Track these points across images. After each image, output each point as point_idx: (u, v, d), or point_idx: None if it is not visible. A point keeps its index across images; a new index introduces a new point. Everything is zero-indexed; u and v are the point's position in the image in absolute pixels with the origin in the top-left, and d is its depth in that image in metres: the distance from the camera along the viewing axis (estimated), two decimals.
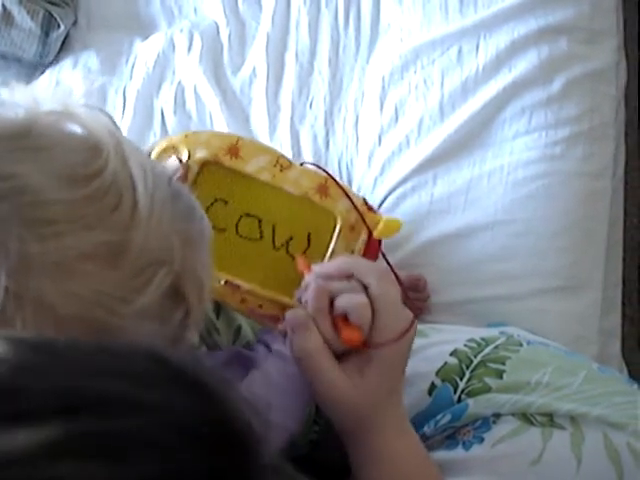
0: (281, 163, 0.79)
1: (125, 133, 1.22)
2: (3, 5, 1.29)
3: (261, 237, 0.79)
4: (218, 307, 0.97)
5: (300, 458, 0.68)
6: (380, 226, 0.79)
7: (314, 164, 0.83)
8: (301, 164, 0.81)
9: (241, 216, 0.79)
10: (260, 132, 1.22)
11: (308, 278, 0.66)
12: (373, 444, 0.63)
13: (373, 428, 0.63)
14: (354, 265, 0.65)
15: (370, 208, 0.82)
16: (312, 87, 1.26)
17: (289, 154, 1.17)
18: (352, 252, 0.79)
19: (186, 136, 0.79)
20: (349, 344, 0.62)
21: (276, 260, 0.79)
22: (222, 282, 0.77)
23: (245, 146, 0.79)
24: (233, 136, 0.81)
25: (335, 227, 0.79)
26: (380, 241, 0.81)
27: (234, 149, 0.79)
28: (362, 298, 0.62)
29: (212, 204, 0.78)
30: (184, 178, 0.76)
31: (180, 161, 0.77)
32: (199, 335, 0.96)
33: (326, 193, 0.79)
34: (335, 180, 0.80)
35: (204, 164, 0.77)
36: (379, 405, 0.63)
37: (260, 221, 0.79)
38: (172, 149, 0.79)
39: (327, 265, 0.67)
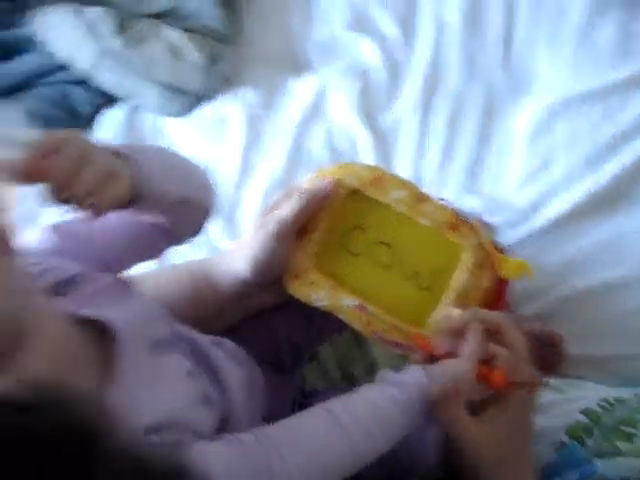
0: (418, 197, 0.83)
1: (275, 169, 1.28)
2: (171, 39, 1.39)
3: (392, 266, 0.83)
4: (357, 339, 0.99)
5: None
6: (508, 266, 0.80)
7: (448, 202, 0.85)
8: (440, 199, 0.84)
9: (376, 244, 0.84)
10: (405, 172, 1.24)
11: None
12: None
13: (499, 475, 0.66)
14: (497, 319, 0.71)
15: (499, 249, 0.83)
16: (460, 132, 1.27)
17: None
18: (479, 290, 0.80)
19: (340, 167, 0.86)
20: (495, 386, 0.67)
21: (404, 289, 0.83)
22: (351, 303, 0.82)
23: (388, 179, 0.84)
24: (380, 169, 0.86)
25: (464, 263, 0.81)
26: (507, 283, 0.82)
27: (378, 180, 0.83)
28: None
29: (352, 230, 0.84)
30: (331, 194, 0.83)
31: (330, 181, 0.83)
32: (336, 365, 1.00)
33: (458, 229, 0.81)
34: (466, 218, 0.82)
35: (350, 192, 0.83)
36: (508, 453, 0.66)
37: (393, 250, 0.84)
38: (323, 176, 0.85)
39: (483, 313, 0.72)
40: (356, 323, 0.83)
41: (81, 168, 0.65)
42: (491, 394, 0.69)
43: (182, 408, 0.72)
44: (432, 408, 0.69)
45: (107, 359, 0.68)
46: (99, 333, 0.69)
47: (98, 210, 0.67)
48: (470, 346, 0.70)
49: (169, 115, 1.42)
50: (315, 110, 1.36)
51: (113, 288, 0.75)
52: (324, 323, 0.92)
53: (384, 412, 0.72)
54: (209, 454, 0.67)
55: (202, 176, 0.84)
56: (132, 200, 0.72)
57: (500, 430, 0.66)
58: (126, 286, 0.77)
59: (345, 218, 0.84)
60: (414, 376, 0.73)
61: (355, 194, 0.83)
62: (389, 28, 1.42)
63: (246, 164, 1.34)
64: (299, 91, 1.38)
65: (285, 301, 0.89)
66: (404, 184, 0.84)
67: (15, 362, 0.57)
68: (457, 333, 0.72)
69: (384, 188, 0.83)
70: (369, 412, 0.73)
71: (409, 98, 1.32)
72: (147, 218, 0.78)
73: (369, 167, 0.86)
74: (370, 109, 1.33)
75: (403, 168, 1.25)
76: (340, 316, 0.83)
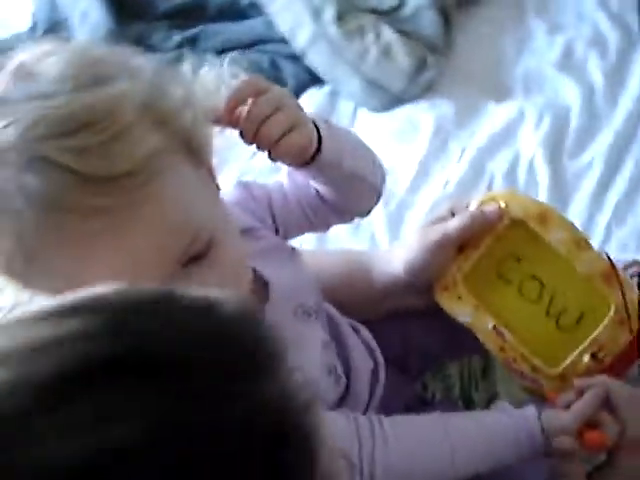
0: (580, 243, 0.85)
1: (449, 182, 1.32)
2: (386, 38, 1.45)
3: (539, 301, 0.86)
4: (485, 370, 1.02)
5: None
6: None
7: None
8: (607, 257, 0.85)
9: (528, 276, 0.86)
10: (578, 221, 1.25)
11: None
12: None
13: None
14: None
15: None
16: None
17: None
18: (615, 345, 0.81)
19: (510, 194, 0.89)
20: (588, 445, 0.70)
21: (544, 326, 0.85)
22: (491, 326, 0.85)
23: (554, 217, 0.85)
24: (548, 206, 0.88)
25: (607, 315, 0.82)
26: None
27: (544, 216, 0.85)
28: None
29: (507, 258, 0.87)
30: (498, 219, 0.86)
31: (499, 207, 0.86)
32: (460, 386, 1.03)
33: (609, 282, 0.82)
34: (618, 273, 0.83)
35: (515, 222, 0.85)
36: None
37: (542, 286, 0.86)
38: (492, 200, 0.87)
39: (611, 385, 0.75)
40: (491, 344, 0.86)
41: (271, 115, 0.71)
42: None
43: (313, 374, 0.78)
44: (551, 453, 0.72)
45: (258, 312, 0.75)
46: (257, 285, 0.76)
47: (278, 153, 0.73)
48: (583, 404, 0.73)
49: (366, 108, 1.49)
50: (504, 137, 1.38)
51: (279, 250, 0.82)
52: (460, 340, 0.95)
53: (494, 439, 0.76)
54: (326, 418, 0.73)
55: (379, 162, 0.88)
56: (312, 159, 0.76)
57: None
58: (290, 251, 0.84)
59: (504, 245, 0.87)
60: (528, 414, 0.76)
61: (519, 224, 0.85)
62: (596, 74, 1.41)
63: (423, 171, 1.39)
64: (494, 115, 1.41)
65: (429, 310, 0.93)
66: (568, 226, 0.86)
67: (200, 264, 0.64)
68: (579, 391, 0.75)
69: (548, 225, 0.85)
70: (480, 435, 0.76)
71: (600, 148, 1.32)
72: (321, 189, 0.85)
73: (538, 202, 0.88)
74: (559, 149, 1.34)
75: (577, 216, 1.26)
76: (478, 334, 0.86)
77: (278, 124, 0.72)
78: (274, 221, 0.86)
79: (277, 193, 0.85)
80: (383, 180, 0.89)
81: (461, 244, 0.88)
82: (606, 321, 0.82)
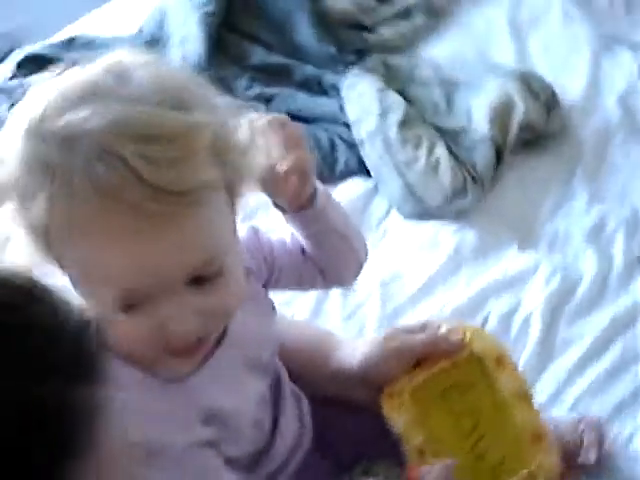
0: (524, 397, 0.90)
1: (450, 308, 1.36)
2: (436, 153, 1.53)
3: (468, 436, 0.91)
4: None
5: None
6: None
7: None
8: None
9: (467, 410, 0.91)
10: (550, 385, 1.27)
11: None
12: None
13: None
14: None
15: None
16: None
17: None
18: None
19: (476, 331, 0.96)
20: None
21: (465, 459, 0.89)
22: (418, 442, 0.89)
23: (510, 365, 0.91)
24: (507, 352, 0.94)
25: (520, 472, 0.86)
26: None
27: (501, 361, 0.92)
28: None
29: (456, 385, 0.92)
30: (459, 349, 0.92)
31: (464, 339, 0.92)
32: None
33: (536, 442, 0.87)
34: (547, 437, 0.88)
35: (473, 356, 0.91)
36: None
37: (477, 424, 0.91)
38: (461, 330, 0.94)
39: None
40: (413, 459, 0.89)
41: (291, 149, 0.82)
42: None
43: (242, 423, 0.82)
44: None
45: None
46: None
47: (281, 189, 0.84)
48: None
49: (398, 211, 1.55)
50: (513, 281, 1.40)
51: (258, 302, 0.88)
52: (395, 444, 0.98)
53: None
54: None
55: (363, 237, 0.99)
56: (306, 207, 0.86)
57: None
58: (268, 307, 0.90)
59: (457, 373, 0.92)
60: None
61: (476, 360, 0.91)
62: (618, 254, 1.43)
63: (429, 287, 1.42)
64: (511, 258, 1.43)
65: (372, 407, 0.97)
66: (519, 378, 0.91)
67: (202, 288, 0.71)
68: None
69: (502, 370, 0.90)
70: None
71: (594, 326, 1.34)
72: (306, 244, 0.91)
73: (501, 346, 0.94)
74: (559, 311, 1.35)
75: (552, 380, 1.27)
76: (405, 446, 0.90)
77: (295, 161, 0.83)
78: (270, 270, 0.92)
79: (280, 245, 0.92)
80: (365, 254, 0.98)
81: (419, 360, 0.93)
82: (517, 477, 0.86)
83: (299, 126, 0.88)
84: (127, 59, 0.72)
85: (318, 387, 1.00)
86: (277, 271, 0.92)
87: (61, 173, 0.65)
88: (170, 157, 0.66)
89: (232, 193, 0.75)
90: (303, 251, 0.92)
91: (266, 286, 0.92)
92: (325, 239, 0.90)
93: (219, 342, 0.81)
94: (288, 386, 0.93)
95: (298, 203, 0.86)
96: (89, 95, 0.67)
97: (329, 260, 0.93)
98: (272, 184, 0.83)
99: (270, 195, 0.86)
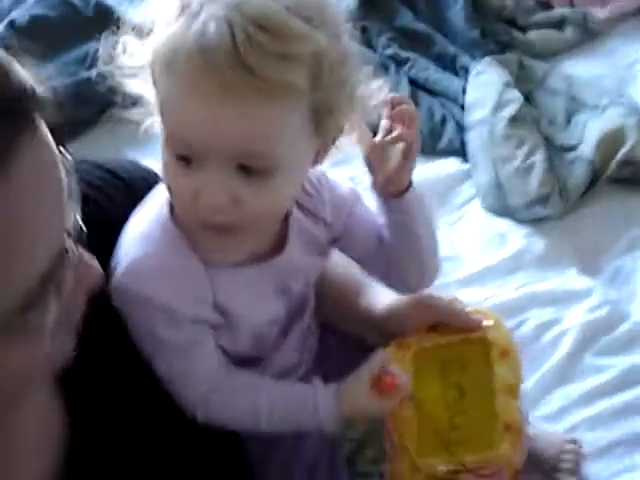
0: (513, 389, 0.92)
1: (492, 303, 1.40)
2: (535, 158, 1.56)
3: (451, 406, 0.94)
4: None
5: None
6: None
7: None
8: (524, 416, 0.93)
9: (458, 384, 0.95)
10: None
11: None
12: None
13: None
14: None
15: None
16: None
17: None
18: None
19: (497, 320, 0.97)
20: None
21: (441, 424, 0.93)
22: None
23: (513, 359, 0.94)
24: (516, 348, 0.95)
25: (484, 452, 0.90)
26: None
27: (506, 352, 0.95)
28: None
29: (458, 359, 0.96)
30: (475, 328, 0.95)
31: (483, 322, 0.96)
32: None
33: (507, 432, 0.90)
34: (520, 433, 0.91)
35: (484, 339, 0.95)
36: None
37: (462, 398, 0.94)
38: (482, 314, 0.97)
39: None
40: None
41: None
42: None
43: (243, 322, 0.89)
44: None
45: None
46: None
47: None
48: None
49: (480, 202, 1.60)
50: (561, 304, 1.45)
51: (317, 243, 0.94)
52: None
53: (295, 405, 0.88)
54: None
55: (437, 254, 1.00)
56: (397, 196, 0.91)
57: None
58: (324, 254, 0.96)
59: (463, 348, 0.96)
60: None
61: (485, 343, 0.95)
62: None
63: (476, 277, 1.48)
64: (568, 277, 1.48)
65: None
66: (516, 373, 0.93)
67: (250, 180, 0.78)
68: None
69: (504, 360, 0.93)
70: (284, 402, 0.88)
71: None
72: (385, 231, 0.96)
73: (512, 340, 0.96)
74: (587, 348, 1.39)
75: None
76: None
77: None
78: (341, 233, 0.96)
79: (367, 221, 0.96)
80: (435, 269, 1.01)
81: (435, 324, 0.99)
82: (479, 457, 0.89)
83: (415, 110, 0.90)
84: None
85: (339, 320, 1.07)
86: (346, 239, 0.96)
87: (187, 16, 0.74)
88: (271, 49, 0.72)
89: (318, 121, 0.79)
90: (381, 240, 0.96)
91: (333, 243, 0.97)
92: (402, 234, 0.94)
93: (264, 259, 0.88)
94: (306, 321, 0.99)
95: (393, 187, 0.90)
96: None
97: (398, 256, 0.96)
98: (375, 156, 0.88)
99: (370, 169, 0.90)
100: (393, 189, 0.90)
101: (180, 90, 0.75)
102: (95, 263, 0.62)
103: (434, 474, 0.91)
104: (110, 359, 0.80)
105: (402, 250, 0.96)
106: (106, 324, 0.78)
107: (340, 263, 1.08)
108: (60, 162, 0.55)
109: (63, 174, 0.55)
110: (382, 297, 1.04)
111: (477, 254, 1.53)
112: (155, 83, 0.78)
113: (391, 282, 1.01)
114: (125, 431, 0.78)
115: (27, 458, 0.69)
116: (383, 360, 0.88)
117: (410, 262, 0.97)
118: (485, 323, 0.97)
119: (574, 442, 1.21)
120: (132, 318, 0.83)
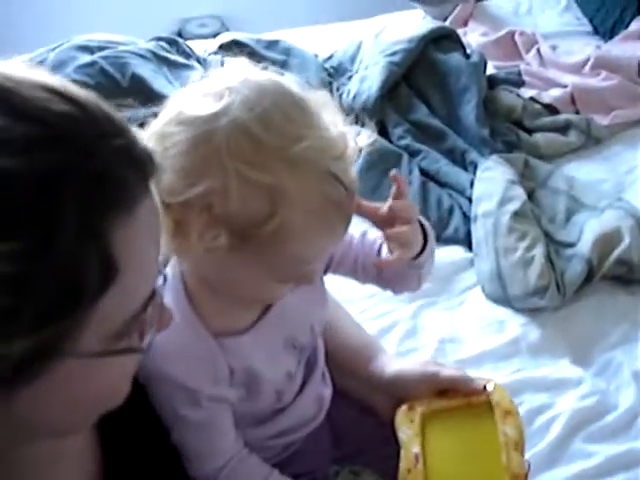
0: (517, 445, 1.02)
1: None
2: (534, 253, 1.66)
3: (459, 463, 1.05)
4: None
5: None
6: None
7: None
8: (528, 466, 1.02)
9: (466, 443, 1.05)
10: None
11: None
12: None
13: None
14: None
15: None
16: None
17: None
18: None
19: (500, 385, 1.09)
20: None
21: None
22: (414, 451, 1.03)
23: (515, 419, 1.04)
24: (516, 409, 1.07)
25: None
26: None
27: (509, 412, 1.05)
28: None
29: (465, 421, 1.06)
30: (479, 393, 1.06)
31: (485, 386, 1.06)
32: None
33: None
34: None
35: (488, 402, 1.06)
36: None
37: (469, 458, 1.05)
38: (485, 381, 1.09)
39: None
40: (404, 463, 1.03)
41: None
42: None
43: (264, 381, 0.97)
44: None
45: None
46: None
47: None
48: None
49: (481, 289, 1.70)
50: (553, 393, 1.53)
51: (314, 286, 1.02)
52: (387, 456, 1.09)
53: None
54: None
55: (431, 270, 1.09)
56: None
57: None
58: (322, 295, 1.06)
59: (469, 411, 1.06)
60: None
61: (490, 406, 1.05)
62: None
63: (472, 361, 1.56)
64: (560, 371, 1.56)
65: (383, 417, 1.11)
66: (519, 431, 1.03)
67: None
68: None
69: (506, 420, 1.04)
70: None
71: None
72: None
73: (513, 403, 1.07)
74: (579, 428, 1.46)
75: None
76: (402, 450, 1.04)
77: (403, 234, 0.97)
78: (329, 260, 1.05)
79: (345, 241, 1.05)
80: (427, 276, 1.10)
81: (443, 390, 1.08)
82: None
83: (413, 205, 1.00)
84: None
85: (348, 385, 1.15)
86: (335, 262, 1.06)
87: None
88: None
89: None
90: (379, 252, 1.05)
91: (326, 271, 1.06)
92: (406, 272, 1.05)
93: (264, 312, 0.96)
94: (320, 369, 1.09)
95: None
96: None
97: (395, 280, 1.08)
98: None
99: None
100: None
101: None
102: (169, 307, 0.71)
103: None
104: (140, 412, 0.86)
105: (405, 280, 1.07)
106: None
107: (344, 329, 1.17)
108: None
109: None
110: (393, 363, 1.13)
111: (476, 338, 1.61)
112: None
113: (386, 287, 1.10)
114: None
115: None
116: None
117: (411, 285, 1.09)
118: (488, 388, 1.06)
119: None
120: (154, 392, 0.89)
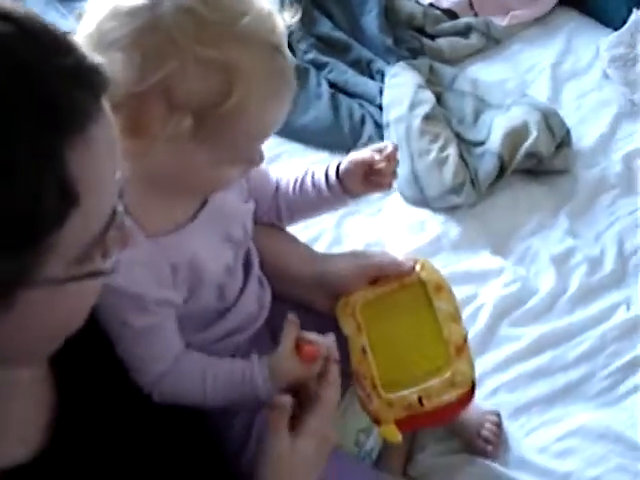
0: (454, 316, 1.07)
1: None
2: (447, 152, 1.69)
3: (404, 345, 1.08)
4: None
5: None
6: None
7: None
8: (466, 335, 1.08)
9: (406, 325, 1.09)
10: None
11: None
12: None
13: None
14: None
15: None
16: None
17: None
18: (438, 400, 1.04)
19: (426, 260, 1.12)
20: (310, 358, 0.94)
21: (400, 360, 1.07)
22: (362, 343, 1.07)
23: (447, 291, 1.09)
24: (446, 281, 1.10)
25: (444, 375, 1.04)
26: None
27: (440, 287, 1.09)
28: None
29: (400, 304, 1.09)
30: (407, 273, 1.10)
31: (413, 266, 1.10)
32: None
33: (459, 352, 1.05)
34: (468, 349, 1.06)
35: (419, 281, 1.09)
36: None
37: (411, 339, 1.09)
38: (412, 260, 1.12)
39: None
40: (355, 356, 1.06)
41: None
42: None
43: (207, 272, 0.98)
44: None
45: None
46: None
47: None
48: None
49: (399, 193, 1.73)
50: (477, 282, 1.59)
51: (242, 185, 1.04)
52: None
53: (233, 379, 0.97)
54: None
55: None
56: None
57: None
58: (245, 192, 1.07)
59: (403, 293, 1.10)
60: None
61: (421, 284, 1.09)
62: None
63: None
64: (484, 258, 1.62)
65: (324, 313, 1.13)
66: (452, 302, 1.08)
67: None
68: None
69: (439, 294, 1.08)
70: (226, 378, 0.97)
71: None
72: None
73: (441, 276, 1.11)
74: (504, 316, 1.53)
75: None
76: (350, 345, 1.06)
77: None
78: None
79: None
80: None
81: (374, 278, 1.10)
82: (441, 379, 1.03)
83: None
84: None
85: (285, 289, 1.16)
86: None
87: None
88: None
89: None
90: (277, 188, 1.12)
91: None
92: (314, 206, 1.15)
93: (202, 207, 0.97)
94: (256, 271, 1.10)
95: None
96: None
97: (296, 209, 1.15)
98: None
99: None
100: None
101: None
102: (130, 226, 0.69)
103: (405, 403, 1.03)
104: (89, 343, 0.84)
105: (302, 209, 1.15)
106: None
107: (267, 238, 1.19)
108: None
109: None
110: (323, 261, 1.15)
111: (399, 240, 1.65)
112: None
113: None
114: (104, 411, 0.83)
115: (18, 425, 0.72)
116: (293, 329, 0.97)
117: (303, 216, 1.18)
118: (416, 268, 1.09)
119: (496, 414, 1.35)
120: (100, 305, 0.89)
